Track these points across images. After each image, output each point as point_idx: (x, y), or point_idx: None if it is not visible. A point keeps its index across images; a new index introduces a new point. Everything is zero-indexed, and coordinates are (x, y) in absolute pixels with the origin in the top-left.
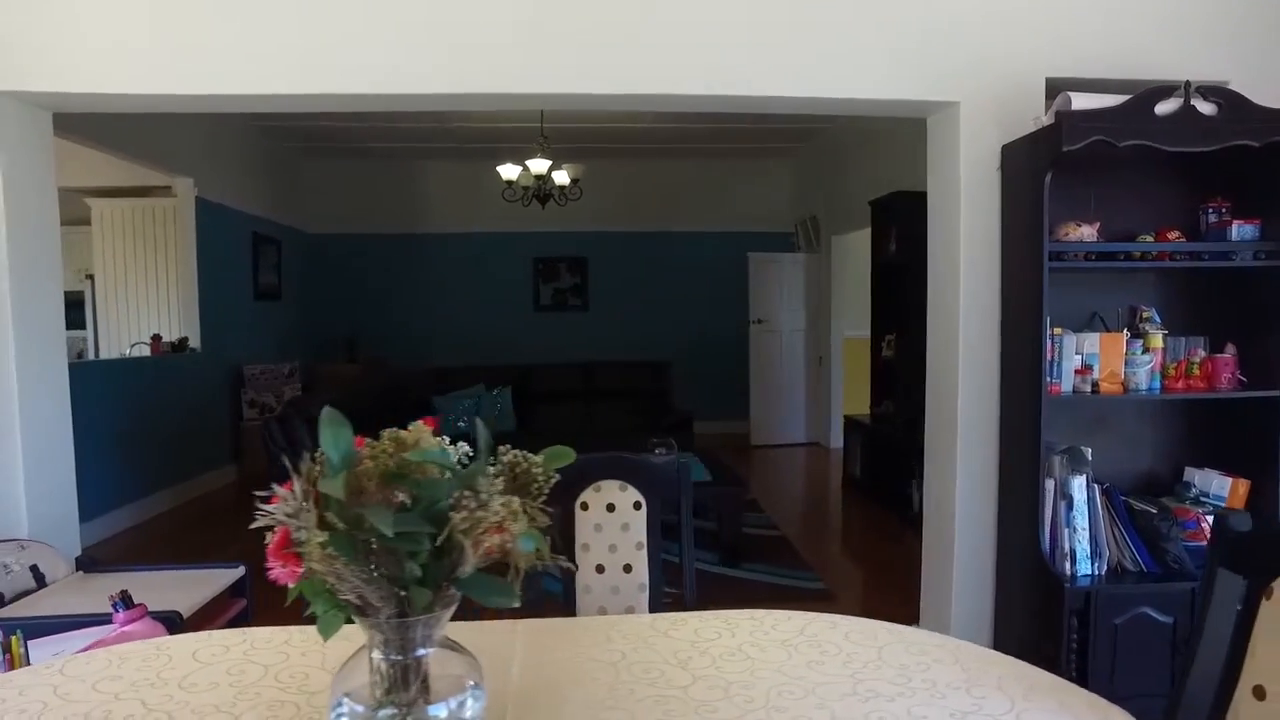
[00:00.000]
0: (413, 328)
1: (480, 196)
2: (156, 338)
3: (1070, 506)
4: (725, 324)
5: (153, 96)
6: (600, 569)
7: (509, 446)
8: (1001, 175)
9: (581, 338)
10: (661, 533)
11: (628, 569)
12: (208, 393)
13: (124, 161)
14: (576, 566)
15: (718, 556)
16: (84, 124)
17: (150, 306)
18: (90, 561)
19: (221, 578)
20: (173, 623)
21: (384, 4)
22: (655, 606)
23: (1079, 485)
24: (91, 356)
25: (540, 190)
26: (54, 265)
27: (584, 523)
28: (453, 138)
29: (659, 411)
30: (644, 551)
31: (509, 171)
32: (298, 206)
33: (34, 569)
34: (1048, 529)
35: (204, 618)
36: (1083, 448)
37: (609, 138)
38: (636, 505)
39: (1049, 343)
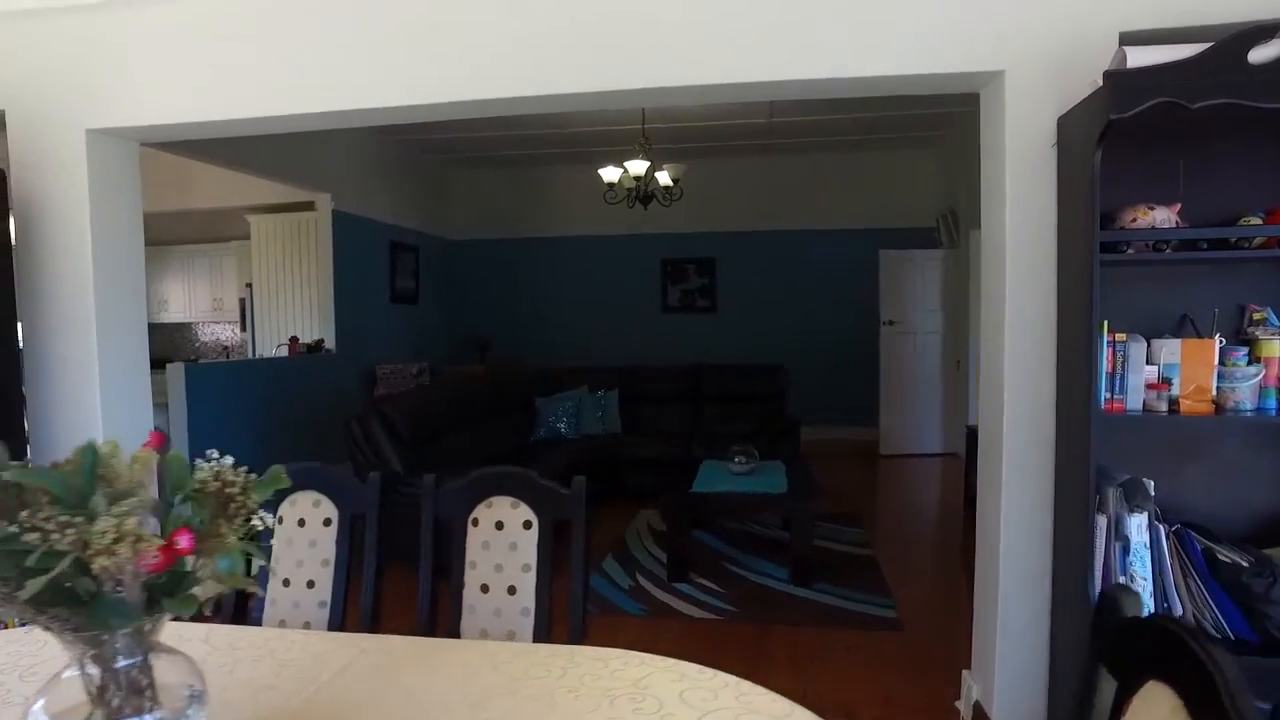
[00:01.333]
0: (545, 329)
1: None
2: (294, 339)
3: (1126, 550)
4: (856, 325)
5: (226, 122)
6: (485, 589)
7: (214, 461)
8: (1058, 153)
9: (709, 339)
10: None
11: (512, 591)
12: (341, 390)
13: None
14: (262, 592)
15: (787, 573)
16: (236, 150)
17: (298, 311)
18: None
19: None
20: None
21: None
22: (540, 633)
23: (1137, 525)
24: (250, 356)
25: (641, 192)
26: (138, 279)
27: (474, 539)
28: (579, 142)
29: (768, 416)
30: (531, 574)
31: (610, 174)
32: (440, 215)
33: None
34: (1098, 576)
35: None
36: (1145, 479)
37: (734, 135)
38: (527, 524)
39: (1106, 350)
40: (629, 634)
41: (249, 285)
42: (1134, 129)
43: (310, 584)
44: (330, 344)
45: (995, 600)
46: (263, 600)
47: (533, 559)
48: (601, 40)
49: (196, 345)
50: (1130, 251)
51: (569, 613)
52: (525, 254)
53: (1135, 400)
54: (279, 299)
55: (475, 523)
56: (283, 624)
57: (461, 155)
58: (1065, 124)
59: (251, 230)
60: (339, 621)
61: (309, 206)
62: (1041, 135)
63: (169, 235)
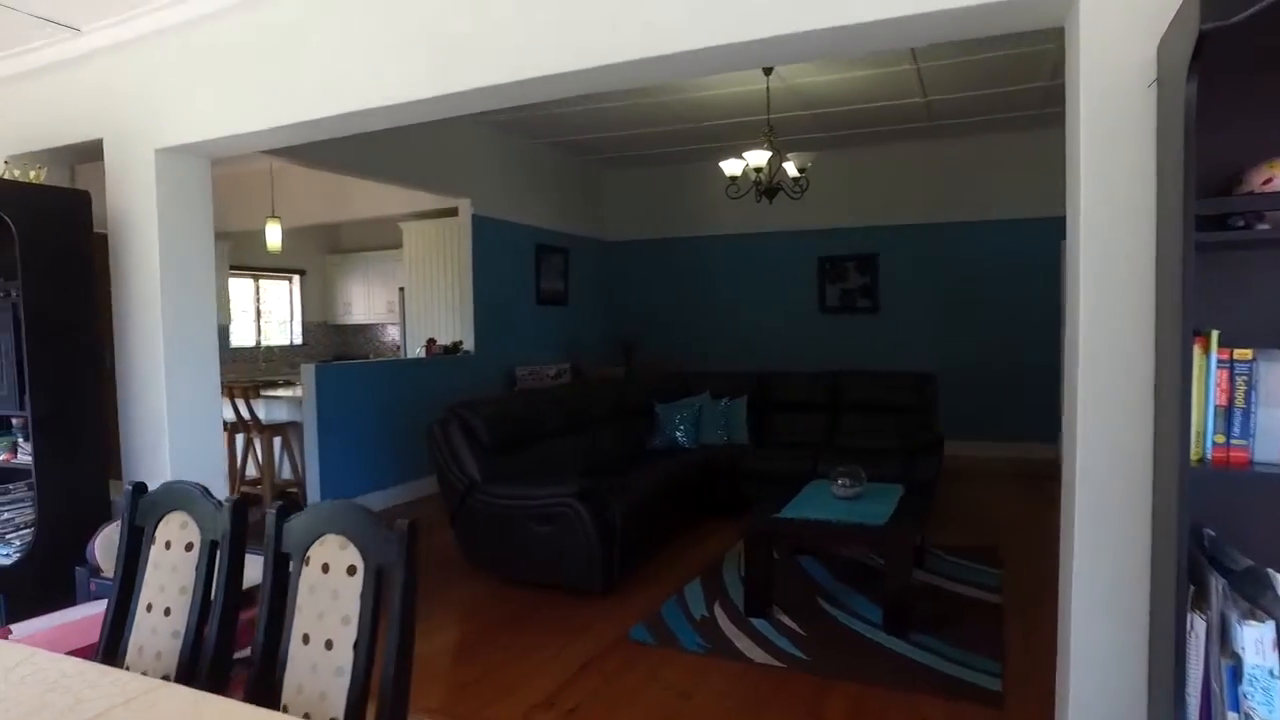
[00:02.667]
0: (697, 331)
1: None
2: (431, 341)
3: (1237, 675)
4: (1038, 326)
5: (272, 131)
6: (306, 639)
7: None
8: (1158, 93)
9: (871, 342)
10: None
11: (329, 646)
12: (477, 391)
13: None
14: None
15: (882, 618)
16: (379, 162)
17: (444, 313)
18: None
19: None
20: None
21: None
22: (355, 698)
23: (1255, 640)
24: (402, 357)
25: (766, 184)
26: (206, 288)
27: (303, 581)
28: (724, 136)
29: (911, 430)
30: (350, 628)
31: (731, 167)
32: (594, 216)
33: None
34: (1194, 707)
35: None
36: (1272, 571)
37: (890, 118)
38: (351, 570)
39: (1214, 371)
40: (672, 673)
41: (401, 289)
42: (1220, 52)
43: (167, 611)
44: (469, 345)
45: (1068, 707)
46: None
47: (354, 610)
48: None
49: (377, 345)
50: (1263, 228)
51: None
52: (678, 253)
53: (1269, 448)
54: (428, 301)
55: (307, 562)
56: (141, 650)
57: (610, 156)
58: (1165, 52)
59: (403, 237)
60: (188, 656)
61: (455, 212)
62: (1134, 70)
63: (351, 243)
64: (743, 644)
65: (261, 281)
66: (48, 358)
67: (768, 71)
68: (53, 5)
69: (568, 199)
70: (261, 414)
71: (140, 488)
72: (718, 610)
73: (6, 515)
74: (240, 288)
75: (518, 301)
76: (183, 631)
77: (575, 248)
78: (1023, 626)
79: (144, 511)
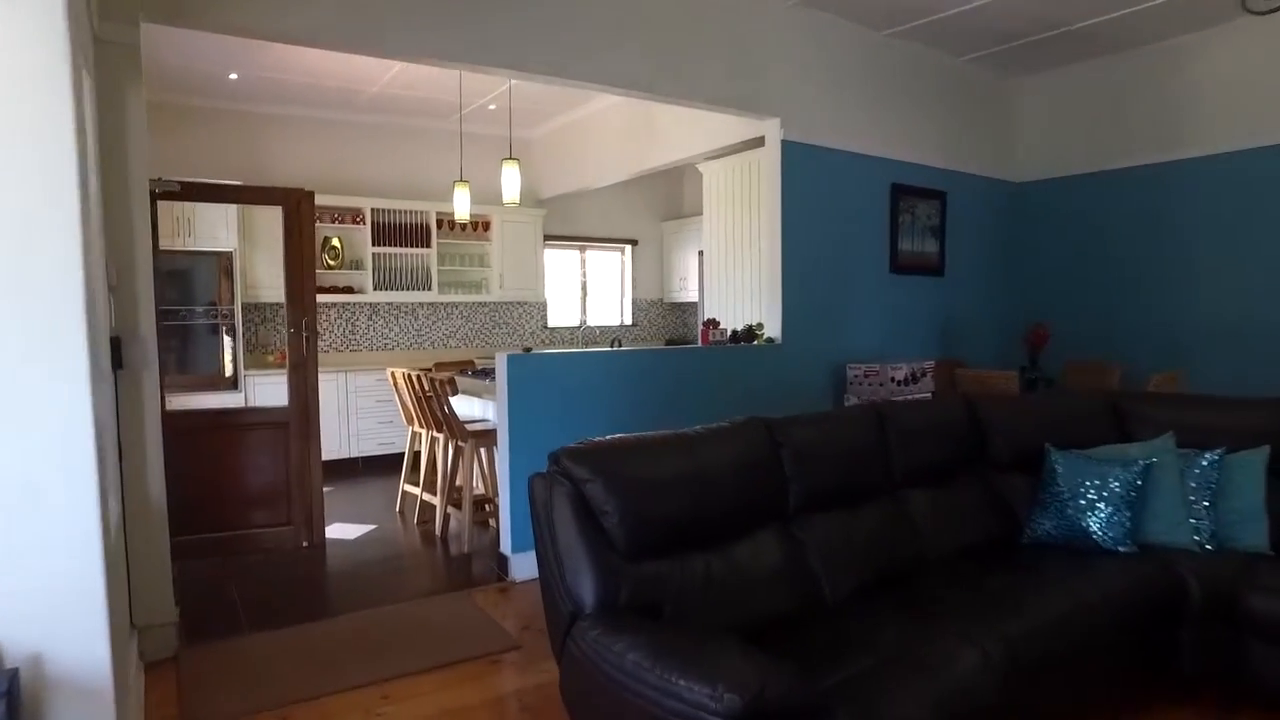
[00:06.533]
0: (1158, 321)
1: None
2: (709, 324)
3: None
4: None
5: None
6: None
7: None
8: None
9: None
10: None
11: None
12: (781, 398)
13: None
14: None
15: None
16: (650, 74)
17: (748, 284)
18: None
19: None
20: None
21: None
22: None
23: None
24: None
25: None
26: (68, 227)
27: None
28: None
29: None
30: None
31: None
32: (994, 144)
33: None
34: None
35: None
36: None
37: None
38: None
39: None
40: None
41: (700, 254)
42: None
43: None
44: (773, 330)
45: None
46: None
47: None
48: None
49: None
50: None
51: None
52: (1130, 194)
53: None
54: (729, 268)
55: None
56: None
57: (1014, 46)
58: None
59: (703, 185)
60: None
61: (761, 143)
62: None
63: (693, 206)
64: None
65: (588, 253)
66: None
67: None
68: None
69: (947, 119)
70: (491, 415)
71: None
72: None
73: None
74: (562, 260)
75: (857, 269)
76: None
77: (958, 190)
78: None
79: None
